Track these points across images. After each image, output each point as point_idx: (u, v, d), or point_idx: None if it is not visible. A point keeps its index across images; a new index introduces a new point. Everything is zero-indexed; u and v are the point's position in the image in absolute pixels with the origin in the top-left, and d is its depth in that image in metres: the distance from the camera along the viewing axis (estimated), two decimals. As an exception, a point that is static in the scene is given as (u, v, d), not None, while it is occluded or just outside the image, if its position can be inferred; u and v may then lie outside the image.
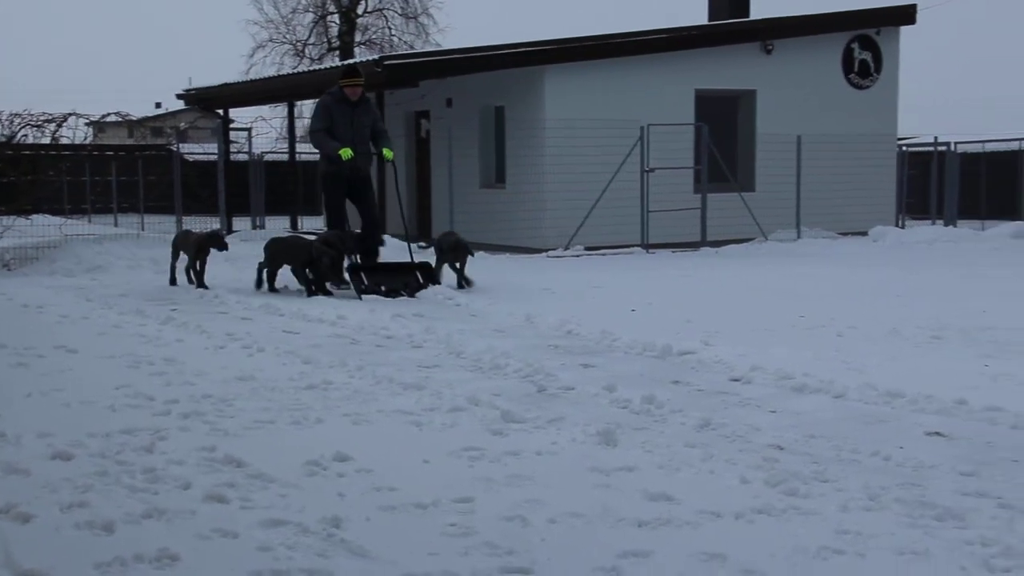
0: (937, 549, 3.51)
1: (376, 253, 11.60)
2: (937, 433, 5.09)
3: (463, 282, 11.20)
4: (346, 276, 11.00)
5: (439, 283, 10.93)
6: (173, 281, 11.75)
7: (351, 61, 20.40)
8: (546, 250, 16.44)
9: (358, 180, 11.56)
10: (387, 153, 11.46)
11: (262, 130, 31.16)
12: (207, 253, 11.49)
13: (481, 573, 3.29)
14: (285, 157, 24.39)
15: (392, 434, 5.12)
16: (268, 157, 25.72)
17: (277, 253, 11.13)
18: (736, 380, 6.37)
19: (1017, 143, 23.07)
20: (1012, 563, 3.35)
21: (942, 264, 13.72)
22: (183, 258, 11.73)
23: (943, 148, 22.80)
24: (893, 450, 4.75)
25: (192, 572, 3.32)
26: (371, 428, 5.24)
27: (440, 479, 4.30)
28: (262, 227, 22.69)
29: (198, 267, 11.45)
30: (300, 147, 25.47)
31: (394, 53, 26.73)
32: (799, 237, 18.19)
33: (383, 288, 10.60)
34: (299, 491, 4.14)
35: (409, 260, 11.44)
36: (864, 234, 18.45)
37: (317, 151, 11.75)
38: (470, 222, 18.00)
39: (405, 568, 3.30)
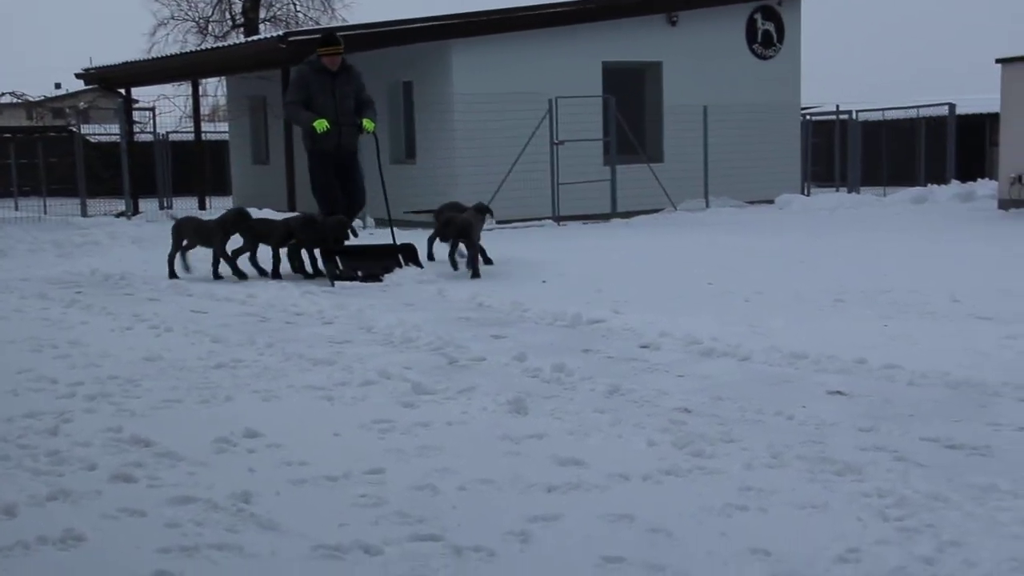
0: (836, 502, 3.62)
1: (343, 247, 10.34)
2: (838, 392, 5.23)
3: (468, 265, 10.08)
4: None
5: (421, 266, 10.19)
6: (173, 274, 10.37)
7: (257, 37, 20.11)
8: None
9: (344, 156, 10.64)
10: (367, 124, 10.50)
11: (165, 109, 30.57)
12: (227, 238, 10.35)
13: (392, 542, 3.30)
14: (191, 136, 23.97)
15: (303, 409, 5.10)
16: (173, 137, 25.25)
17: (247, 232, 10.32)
18: (645, 347, 6.46)
19: (916, 111, 23.62)
20: (905, 512, 3.47)
21: (845, 230, 14.02)
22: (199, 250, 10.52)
23: (845, 117, 23.28)
24: (796, 409, 4.87)
25: (98, 552, 3.28)
26: (281, 404, 5.22)
27: (351, 452, 4.30)
28: (170, 207, 22.32)
29: (224, 253, 10.22)
30: (206, 126, 25.08)
31: (299, 29, 26.36)
32: (707, 206, 18.44)
33: (359, 274, 9.81)
34: (208, 468, 4.11)
35: (392, 242, 10.57)
36: (771, 202, 18.76)
37: (299, 130, 10.78)
38: (381, 198, 17.92)
39: (315, 540, 3.31)
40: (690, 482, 3.89)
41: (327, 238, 10.02)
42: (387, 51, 17.92)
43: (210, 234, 10.33)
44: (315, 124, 10.21)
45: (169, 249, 10.54)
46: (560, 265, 10.80)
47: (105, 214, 20.18)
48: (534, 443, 4.41)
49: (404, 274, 9.90)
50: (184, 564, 3.14)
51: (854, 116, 23.04)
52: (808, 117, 23.13)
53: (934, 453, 4.17)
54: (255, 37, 23.07)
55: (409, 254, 10.34)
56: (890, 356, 5.78)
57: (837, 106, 24.07)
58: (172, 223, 11.00)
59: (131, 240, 14.90)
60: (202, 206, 22.10)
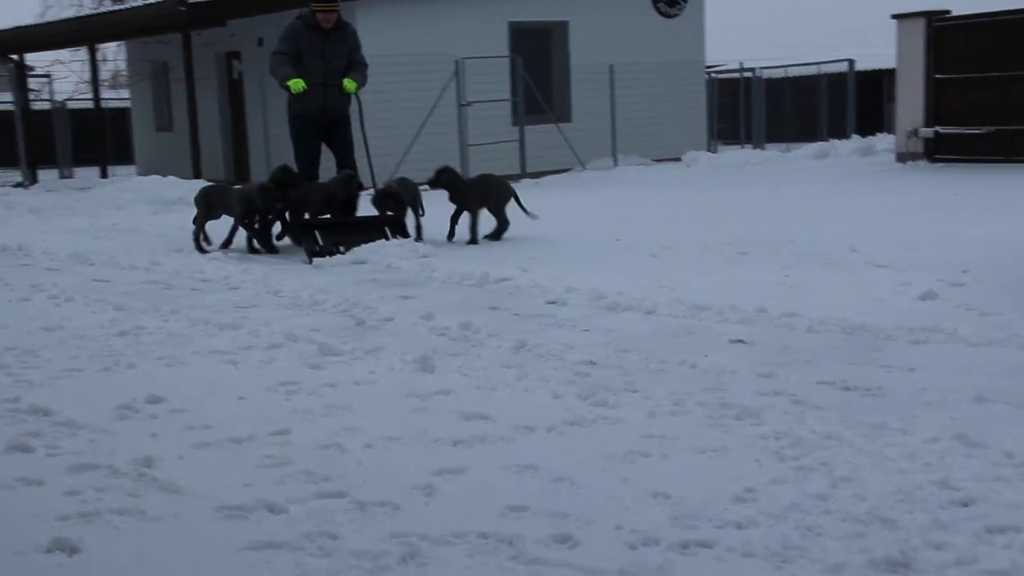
0: (735, 445, 3.71)
1: (354, 206, 9.48)
2: (740, 340, 5.33)
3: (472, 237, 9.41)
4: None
5: (408, 236, 9.18)
6: (201, 247, 9.55)
7: (153, 0, 19.62)
8: (367, 188, 16.29)
9: (333, 121, 9.78)
10: (348, 84, 9.61)
11: (62, 75, 29.71)
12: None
13: (297, 500, 3.31)
14: (91, 104, 23.40)
15: (207, 374, 5.05)
16: (72, 104, 24.63)
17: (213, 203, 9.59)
18: (552, 303, 6.51)
19: (817, 67, 23.99)
20: (800, 451, 3.57)
21: (750, 185, 14.24)
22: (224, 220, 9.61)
23: (748, 75, 23.55)
24: (699, 359, 4.97)
25: (-4, 521, 3.23)
26: (186, 370, 5.16)
27: (256, 414, 4.28)
28: (70, 178, 21.81)
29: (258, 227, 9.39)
30: (107, 93, 24.48)
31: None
32: (616, 165, 18.56)
33: (342, 249, 8.72)
34: (110, 435, 4.06)
35: (377, 214, 9.37)
36: (678, 160, 18.96)
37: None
38: (288, 163, 17.70)
39: (219, 500, 3.29)
40: (594, 432, 3.95)
41: (334, 197, 9.24)
42: (290, 13, 17.64)
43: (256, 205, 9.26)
44: (289, 83, 9.45)
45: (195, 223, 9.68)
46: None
47: (2, 184, 19.64)
48: (441, 399, 4.44)
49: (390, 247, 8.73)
50: (83, 530, 3.11)
51: (757, 74, 23.33)
52: (713, 75, 23.37)
53: (829, 395, 4.29)
54: (154, 0, 22.52)
55: (396, 226, 9.24)
56: (790, 305, 5.91)
57: (741, 64, 24.34)
58: (198, 193, 9.88)
59: (29, 210, 14.57)
60: (104, 175, 21.64)
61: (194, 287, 7.74)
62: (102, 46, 23.98)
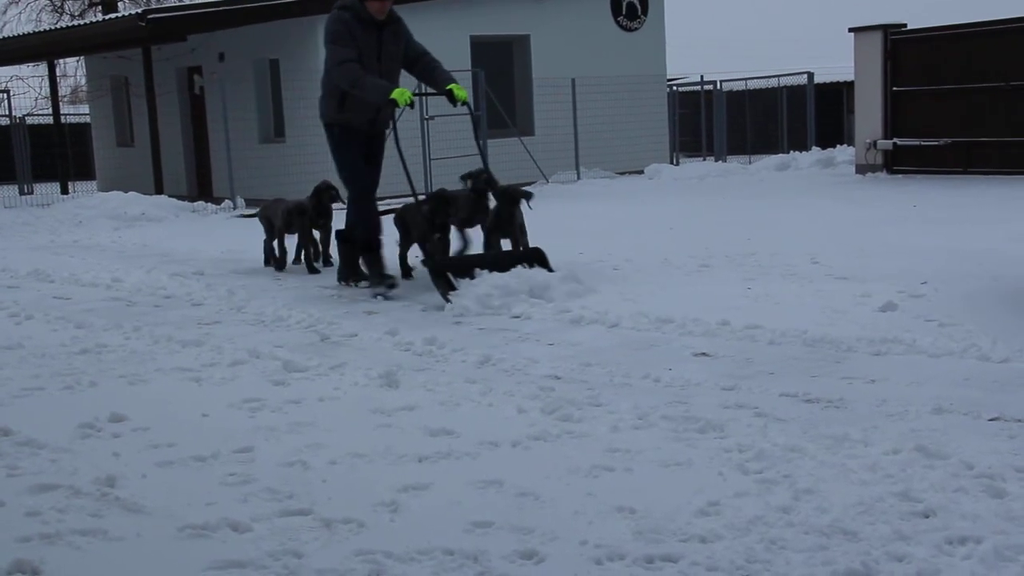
0: (699, 458, 3.73)
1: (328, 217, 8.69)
2: (703, 353, 5.37)
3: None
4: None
5: (552, 270, 7.44)
6: (281, 264, 9.18)
7: (115, 15, 19.52)
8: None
9: (373, 136, 7.99)
10: (459, 92, 7.63)
11: (21, 91, 29.44)
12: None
13: (260, 518, 3.29)
14: (50, 119, 23.18)
15: (171, 391, 5.02)
16: (31, 120, 24.40)
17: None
18: (516, 317, 6.53)
19: (777, 80, 24.21)
20: (763, 464, 3.60)
21: (712, 197, 14.33)
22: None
23: (710, 87, 23.74)
24: (662, 372, 4.99)
25: (-45, 544, 3.19)
26: (148, 387, 5.13)
27: (220, 432, 4.26)
28: (30, 194, 21.59)
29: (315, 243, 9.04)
30: (67, 108, 24.27)
31: (159, 7, 25.70)
32: (579, 178, 18.63)
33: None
34: (71, 455, 4.02)
35: (517, 248, 7.95)
36: (640, 172, 19.05)
37: (339, 95, 7.73)
38: (251, 178, 17.65)
39: (183, 520, 3.27)
40: (558, 446, 3.96)
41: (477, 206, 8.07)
42: (252, 28, 17.61)
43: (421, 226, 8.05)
44: (395, 95, 7.32)
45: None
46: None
47: (-40, 202, 19.43)
48: (405, 415, 4.43)
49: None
50: (45, 551, 3.07)
51: (718, 86, 23.51)
52: (674, 88, 23.53)
53: (792, 407, 4.33)
54: (114, 15, 22.38)
55: (538, 259, 7.63)
56: (752, 317, 5.95)
57: (702, 76, 24.54)
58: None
59: (-12, 228, 14.41)
60: (64, 191, 21.44)
61: (156, 304, 7.69)
62: (62, 61, 23.77)
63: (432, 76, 7.89)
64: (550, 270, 7.45)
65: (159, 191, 18.11)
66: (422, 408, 4.53)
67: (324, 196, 9.06)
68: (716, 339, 5.65)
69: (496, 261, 7.47)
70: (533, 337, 5.95)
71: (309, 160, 16.93)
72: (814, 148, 20.88)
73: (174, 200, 16.47)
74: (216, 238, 12.19)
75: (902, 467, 3.51)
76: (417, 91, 7.97)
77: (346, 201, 8.21)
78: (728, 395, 4.56)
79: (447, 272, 7.28)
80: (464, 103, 7.70)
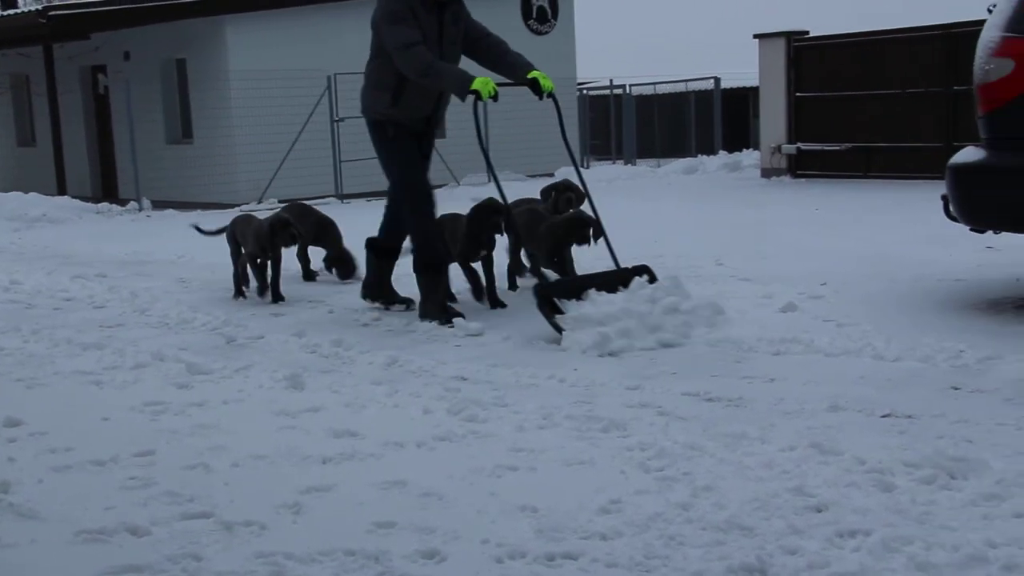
0: (601, 457, 3.77)
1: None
2: (608, 353, 5.42)
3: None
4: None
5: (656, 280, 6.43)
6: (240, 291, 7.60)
7: (15, 11, 19.07)
8: (239, 204, 16.09)
9: (426, 135, 6.99)
10: (545, 82, 6.78)
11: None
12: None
13: (160, 522, 3.25)
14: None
15: (70, 395, 4.94)
16: (-73, 118, 23.67)
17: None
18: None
19: (684, 85, 24.55)
20: (664, 462, 3.66)
21: (621, 200, 14.45)
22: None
23: (619, 92, 23.98)
24: (568, 372, 5.04)
25: None
26: (47, 391, 5.03)
27: (120, 435, 4.19)
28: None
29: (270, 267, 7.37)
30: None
31: (60, 3, 25.14)
32: (489, 181, 18.64)
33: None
34: (-36, 461, 3.93)
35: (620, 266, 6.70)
36: (551, 175, 19.13)
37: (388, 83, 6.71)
38: (159, 179, 17.39)
39: (78, 525, 3.22)
40: (463, 447, 3.98)
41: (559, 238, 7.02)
42: (158, 27, 17.34)
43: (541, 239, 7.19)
44: (476, 86, 6.29)
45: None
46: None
47: None
48: (310, 417, 4.41)
49: None
50: (-64, 559, 3.01)
51: (627, 90, 23.76)
52: (584, 92, 23.71)
53: (693, 406, 4.40)
54: (13, 11, 21.85)
55: (645, 274, 6.54)
56: (657, 318, 6.02)
57: (611, 81, 24.77)
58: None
59: None
60: None
61: (57, 306, 7.54)
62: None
63: (505, 62, 6.76)
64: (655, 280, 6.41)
65: (62, 192, 17.72)
66: (327, 409, 4.52)
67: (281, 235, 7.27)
68: (622, 340, 5.71)
69: (606, 280, 6.33)
70: (441, 338, 5.97)
71: (218, 161, 16.75)
72: (721, 152, 21.22)
73: (77, 201, 16.15)
74: (121, 240, 11.99)
75: (797, 463, 3.59)
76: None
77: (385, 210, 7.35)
78: (632, 394, 4.62)
79: (552, 296, 6.02)
80: (551, 95, 6.77)
